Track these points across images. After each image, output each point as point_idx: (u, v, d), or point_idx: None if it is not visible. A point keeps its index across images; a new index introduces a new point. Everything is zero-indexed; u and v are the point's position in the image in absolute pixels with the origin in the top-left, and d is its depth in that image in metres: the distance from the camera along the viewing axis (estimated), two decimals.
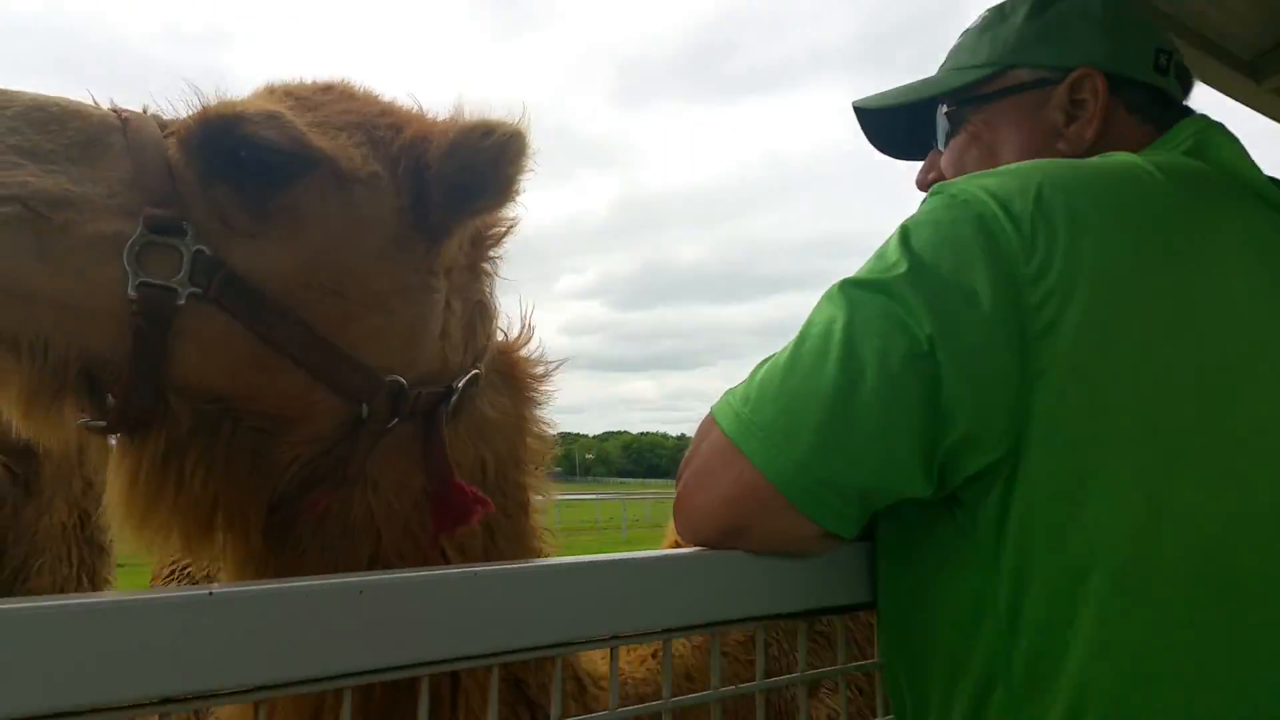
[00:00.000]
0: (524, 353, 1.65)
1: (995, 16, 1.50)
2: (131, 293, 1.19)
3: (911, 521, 1.16)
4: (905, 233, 1.11)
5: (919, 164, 1.60)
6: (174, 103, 1.36)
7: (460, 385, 1.45)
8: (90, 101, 1.31)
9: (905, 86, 1.58)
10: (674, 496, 1.26)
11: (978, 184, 1.11)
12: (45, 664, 0.70)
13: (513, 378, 1.60)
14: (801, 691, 1.32)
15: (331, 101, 1.43)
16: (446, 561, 1.41)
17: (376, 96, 1.52)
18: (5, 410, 1.22)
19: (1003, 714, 1.04)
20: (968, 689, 1.08)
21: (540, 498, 1.61)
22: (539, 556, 1.56)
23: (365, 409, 1.34)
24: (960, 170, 1.45)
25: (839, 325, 1.08)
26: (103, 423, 1.25)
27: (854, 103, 1.66)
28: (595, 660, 1.60)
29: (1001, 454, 1.02)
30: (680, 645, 1.75)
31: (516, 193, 1.44)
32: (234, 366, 1.28)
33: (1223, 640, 0.99)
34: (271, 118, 1.29)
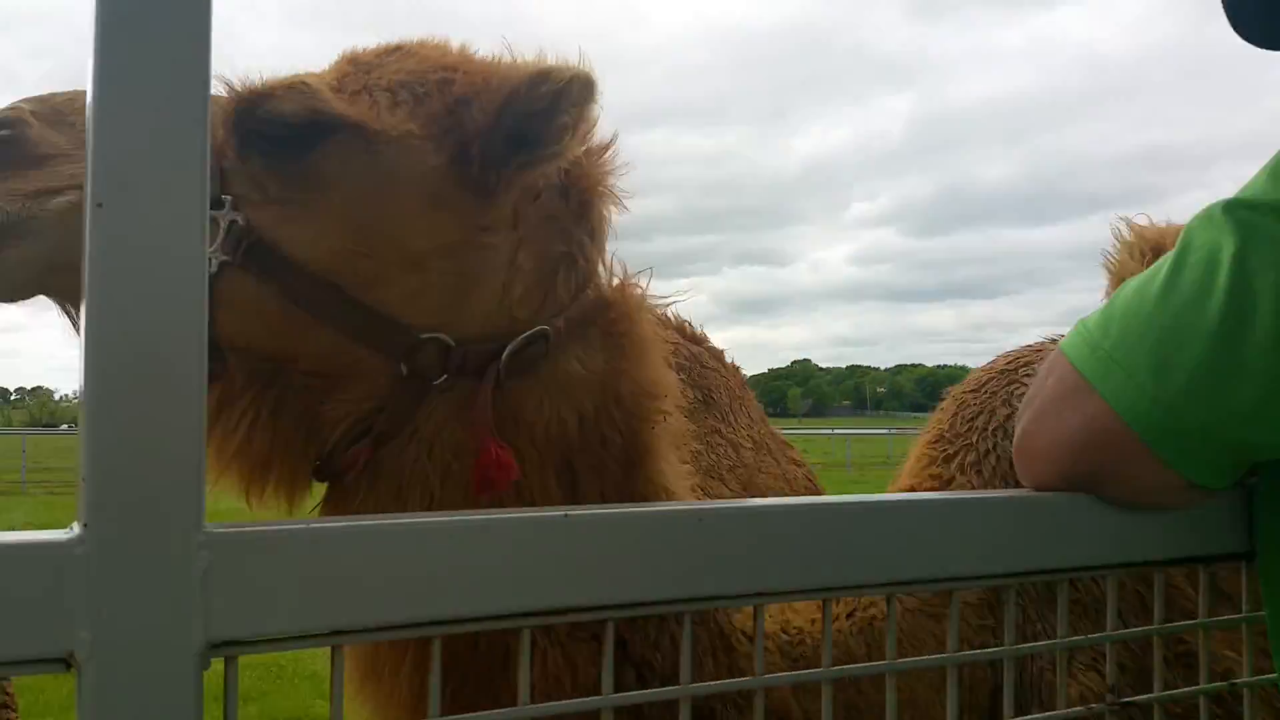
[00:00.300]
0: (634, 305, 1.58)
1: None
2: None
3: None
4: None
5: None
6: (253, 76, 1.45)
7: (516, 343, 1.41)
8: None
9: None
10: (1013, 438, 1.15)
11: None
12: (426, 573, 0.77)
13: (614, 333, 1.55)
14: (1061, 660, 1.16)
15: (391, 62, 1.48)
16: None
17: (443, 52, 1.51)
18: None
19: None
20: None
21: (667, 452, 1.56)
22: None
23: (404, 368, 1.39)
24: None
25: (1227, 253, 0.94)
26: None
27: None
28: (742, 614, 1.54)
29: None
30: (875, 606, 1.69)
31: (576, 143, 1.41)
32: (269, 328, 1.40)
33: None
34: (292, 89, 1.38)
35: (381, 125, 1.39)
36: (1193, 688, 1.20)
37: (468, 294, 1.44)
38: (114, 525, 0.65)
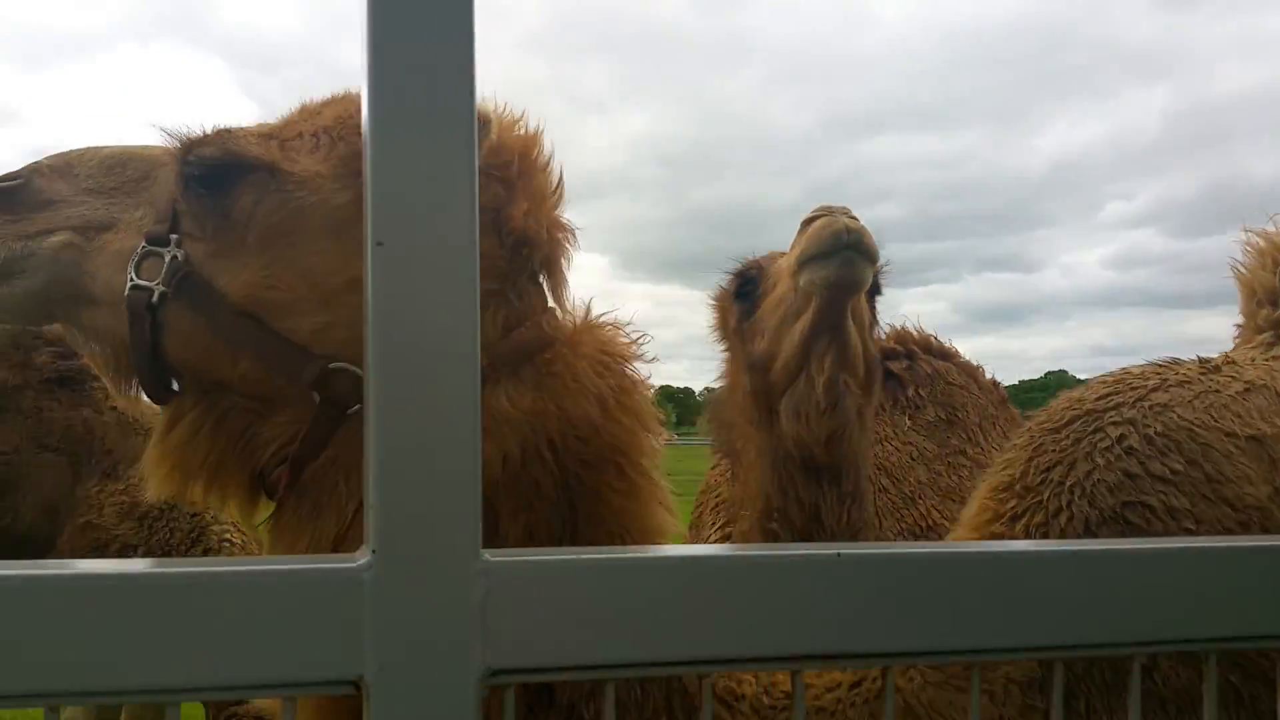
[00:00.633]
0: (579, 345, 1.55)
1: None
2: (126, 293, 1.50)
3: None
4: None
5: None
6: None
7: None
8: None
9: None
10: None
11: None
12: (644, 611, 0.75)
13: (551, 373, 1.51)
14: None
15: (326, 110, 1.62)
16: None
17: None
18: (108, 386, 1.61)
19: None
20: None
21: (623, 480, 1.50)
22: (618, 544, 1.46)
23: (316, 397, 1.47)
24: None
25: None
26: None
27: None
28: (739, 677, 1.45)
29: None
30: (902, 679, 1.56)
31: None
32: (203, 355, 1.53)
33: None
34: (217, 135, 1.54)
35: (293, 167, 1.52)
36: None
37: None
38: (400, 551, 0.67)
